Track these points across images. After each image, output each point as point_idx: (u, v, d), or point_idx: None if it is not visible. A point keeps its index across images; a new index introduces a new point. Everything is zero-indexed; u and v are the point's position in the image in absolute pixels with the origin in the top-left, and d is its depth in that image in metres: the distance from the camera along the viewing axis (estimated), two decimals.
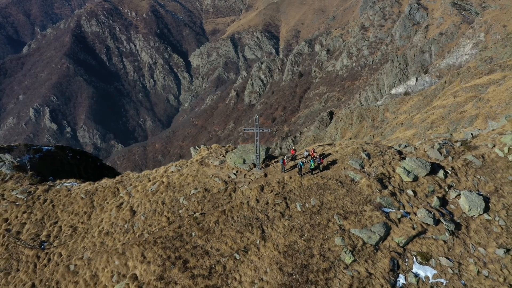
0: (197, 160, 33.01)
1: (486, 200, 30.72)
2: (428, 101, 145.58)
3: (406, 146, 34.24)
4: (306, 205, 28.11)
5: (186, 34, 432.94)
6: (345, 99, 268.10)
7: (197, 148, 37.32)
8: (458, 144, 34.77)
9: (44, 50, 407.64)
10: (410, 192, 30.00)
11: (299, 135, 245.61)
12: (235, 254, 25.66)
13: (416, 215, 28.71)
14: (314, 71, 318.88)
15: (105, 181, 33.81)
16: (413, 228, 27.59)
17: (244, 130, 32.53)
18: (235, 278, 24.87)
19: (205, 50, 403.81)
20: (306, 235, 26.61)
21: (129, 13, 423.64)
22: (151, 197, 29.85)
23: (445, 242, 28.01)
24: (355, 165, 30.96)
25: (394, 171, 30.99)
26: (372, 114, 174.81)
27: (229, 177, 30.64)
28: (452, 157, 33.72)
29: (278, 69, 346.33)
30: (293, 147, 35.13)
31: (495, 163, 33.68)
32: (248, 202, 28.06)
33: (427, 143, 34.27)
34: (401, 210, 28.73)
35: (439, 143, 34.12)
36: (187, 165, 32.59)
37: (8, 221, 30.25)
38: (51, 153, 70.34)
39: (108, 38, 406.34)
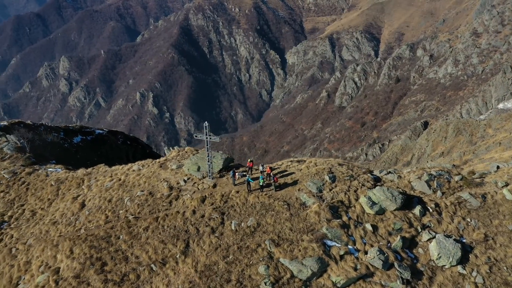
0: (159, 162, 32.61)
1: (467, 249, 25.62)
2: None
3: (389, 173, 29.87)
4: (242, 224, 26.02)
5: (285, 32, 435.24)
6: (444, 109, 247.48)
7: (171, 148, 36.95)
8: (457, 178, 29.43)
9: (155, 40, 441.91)
10: (368, 226, 26.13)
11: (387, 143, 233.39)
12: (152, 265, 24.75)
13: (366, 254, 25.00)
14: (413, 77, 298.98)
15: (80, 171, 35.17)
16: (355, 269, 24.00)
17: (195, 136, 31.07)
18: None
19: (302, 49, 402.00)
20: (230, 257, 24.63)
21: (233, 9, 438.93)
22: (104, 193, 30.23)
23: None
24: (312, 188, 27.78)
25: (357, 200, 27.27)
26: (471, 129, 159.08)
27: (178, 183, 29.65)
28: (443, 193, 28.65)
29: (374, 72, 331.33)
30: (250, 159, 32.71)
31: (498, 206, 27.91)
32: (184, 212, 26.86)
33: (415, 172, 29.51)
34: (348, 246, 25.16)
35: (430, 174, 29.15)
36: (148, 166, 32.38)
37: None
38: (102, 137, 75.44)
39: (211, 32, 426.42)
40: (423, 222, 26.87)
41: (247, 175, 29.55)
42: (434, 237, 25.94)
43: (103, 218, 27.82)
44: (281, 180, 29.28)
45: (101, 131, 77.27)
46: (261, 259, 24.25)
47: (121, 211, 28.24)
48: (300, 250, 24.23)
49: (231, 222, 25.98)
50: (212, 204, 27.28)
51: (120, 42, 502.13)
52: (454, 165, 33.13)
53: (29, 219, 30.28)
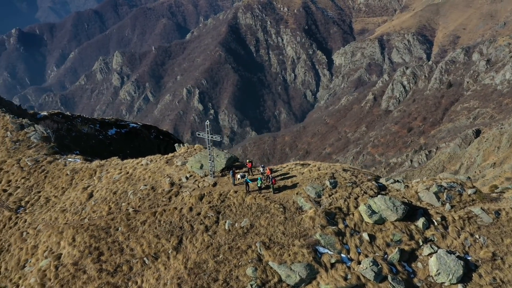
0: (166, 157, 33.13)
1: (471, 268, 24.11)
2: None
3: (396, 182, 28.58)
4: (236, 224, 25.90)
5: (333, 32, 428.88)
6: (499, 118, 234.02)
7: (181, 145, 37.39)
8: (470, 191, 27.73)
9: (203, 37, 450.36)
10: (365, 236, 25.18)
11: (435, 150, 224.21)
12: (145, 258, 25.24)
13: (359, 264, 24.15)
14: (467, 82, 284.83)
15: (94, 163, 36.47)
16: (345, 279, 23.24)
17: (198, 134, 31.21)
18: (136, 282, 24.49)
19: (350, 50, 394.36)
20: (220, 256, 24.61)
21: (282, 8, 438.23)
22: (111, 185, 31.18)
23: None
24: (311, 193, 27.10)
25: (356, 207, 26.35)
26: None
27: (180, 180, 29.96)
28: (452, 206, 27.09)
29: (425, 76, 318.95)
30: (249, 160, 32.18)
31: None
32: (181, 209, 27.14)
33: (424, 182, 28.04)
34: (341, 254, 24.38)
35: (439, 186, 27.60)
36: (156, 161, 33.00)
37: (10, 183, 35.22)
38: (136, 130, 77.78)
39: (259, 31, 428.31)
40: (425, 236, 25.51)
41: (246, 176, 29.42)
42: (436, 251, 24.62)
43: (106, 209, 28.78)
44: (281, 183, 28.85)
45: (135, 125, 79.55)
46: (250, 260, 24.04)
47: (123, 204, 29.09)
48: (289, 255, 23.78)
49: (225, 222, 25.99)
50: (210, 202, 27.42)
51: (170, 39, 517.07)
52: (469, 178, 31.01)
53: (43, 206, 31.93)
